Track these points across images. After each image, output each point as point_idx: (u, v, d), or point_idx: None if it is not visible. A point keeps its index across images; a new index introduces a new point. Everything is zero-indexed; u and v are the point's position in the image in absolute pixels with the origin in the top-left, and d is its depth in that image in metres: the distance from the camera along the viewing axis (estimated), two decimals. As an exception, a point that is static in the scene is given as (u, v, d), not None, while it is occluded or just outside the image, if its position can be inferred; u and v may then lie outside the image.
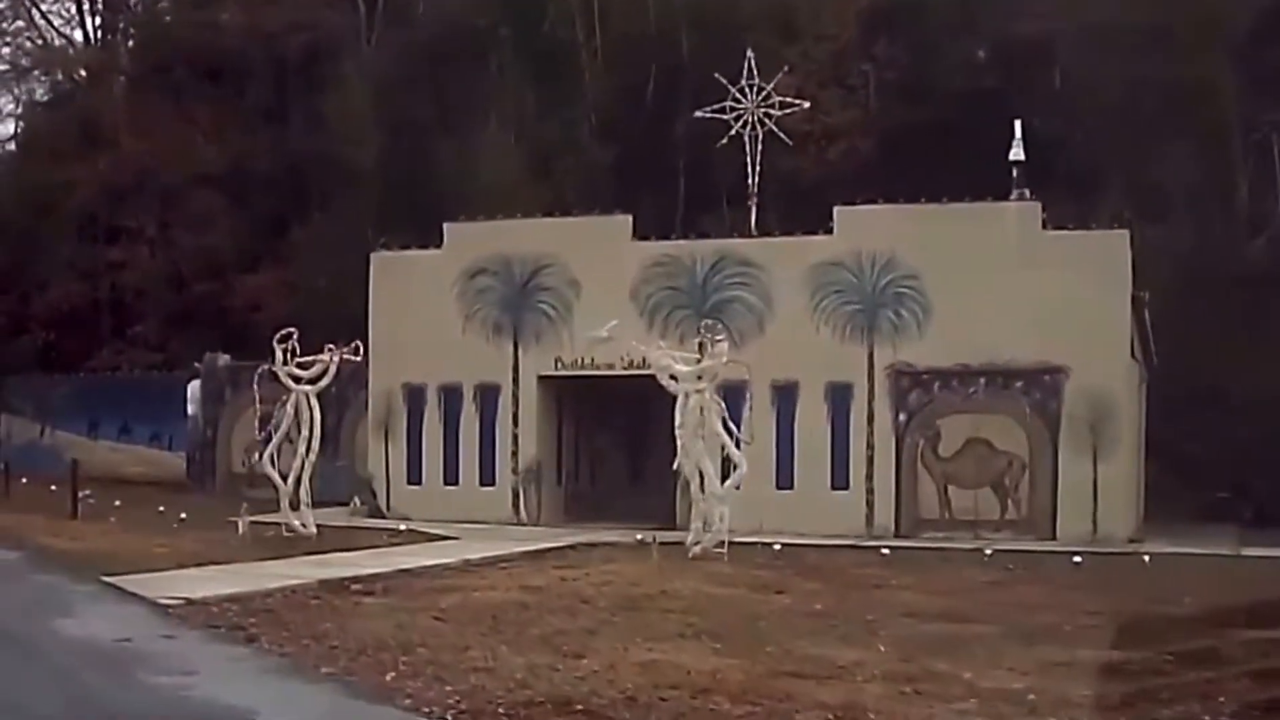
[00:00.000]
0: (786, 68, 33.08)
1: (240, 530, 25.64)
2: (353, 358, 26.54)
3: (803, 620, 17.37)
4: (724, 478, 24.49)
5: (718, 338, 24.61)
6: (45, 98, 52.85)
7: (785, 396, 28.49)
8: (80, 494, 30.62)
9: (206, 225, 44.49)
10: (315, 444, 26.51)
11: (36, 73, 51.60)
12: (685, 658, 14.32)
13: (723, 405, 24.70)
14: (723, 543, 23.98)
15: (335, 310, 39.30)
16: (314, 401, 26.47)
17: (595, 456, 32.20)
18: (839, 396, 29.04)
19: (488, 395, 30.67)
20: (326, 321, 40.12)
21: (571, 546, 25.64)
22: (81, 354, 45.66)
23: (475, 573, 21.71)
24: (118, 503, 32.21)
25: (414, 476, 31.07)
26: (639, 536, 25.93)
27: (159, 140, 44.55)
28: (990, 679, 13.26)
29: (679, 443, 24.73)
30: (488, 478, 30.49)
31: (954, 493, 28.72)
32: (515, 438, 30.40)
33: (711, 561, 23.24)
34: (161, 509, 31.06)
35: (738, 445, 24.68)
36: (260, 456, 26.84)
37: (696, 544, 24.17)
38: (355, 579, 19.93)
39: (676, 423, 24.81)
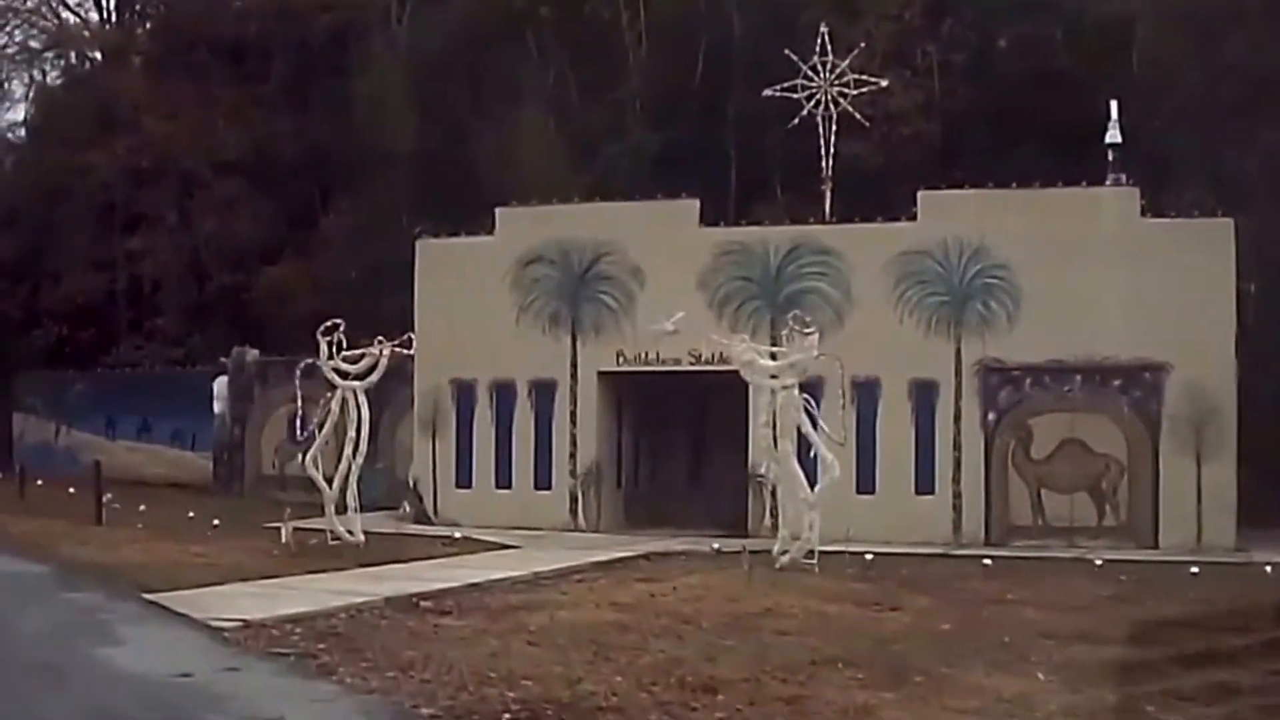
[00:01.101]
0: (862, 44, 30.85)
1: (283, 538, 23.55)
2: (404, 351, 24.42)
3: (936, 643, 15.63)
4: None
5: (807, 330, 22.46)
6: (59, 80, 50.64)
7: (866, 395, 26.34)
8: (105, 498, 28.42)
9: (229, 213, 42.25)
10: (363, 445, 24.44)
11: (50, 54, 49.34)
12: (830, 692, 12.63)
13: (813, 403, 22.59)
14: (812, 552, 22.14)
15: (367, 303, 37.28)
16: (362, 399, 24.34)
17: (654, 458, 30.00)
18: (924, 395, 26.96)
19: (543, 392, 28.50)
20: (357, 315, 37.96)
21: (644, 556, 23.63)
22: (97, 349, 43.54)
23: (550, 587, 19.76)
24: (142, 507, 30.14)
25: (463, 479, 28.89)
26: (715, 545, 24.25)
27: (179, 124, 42.45)
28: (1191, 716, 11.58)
29: (763, 444, 22.71)
30: (543, 481, 28.31)
31: (1048, 497, 26.69)
32: (573, 438, 28.21)
33: (802, 573, 21.38)
34: (191, 514, 29.15)
35: (828, 447, 22.54)
36: (303, 458, 24.59)
37: (784, 554, 22.25)
38: (423, 595, 17.92)
39: (760, 422, 22.82)
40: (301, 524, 25.70)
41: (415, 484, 29.15)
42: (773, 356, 23.66)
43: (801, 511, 22.39)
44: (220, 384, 36.39)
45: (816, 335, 22.57)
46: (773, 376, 22.69)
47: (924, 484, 26.87)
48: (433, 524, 28.12)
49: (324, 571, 20.41)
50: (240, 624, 15.25)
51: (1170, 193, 30.26)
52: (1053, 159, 33.58)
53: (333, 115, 42.09)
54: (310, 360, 24.94)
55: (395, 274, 39.21)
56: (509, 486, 28.50)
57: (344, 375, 24.42)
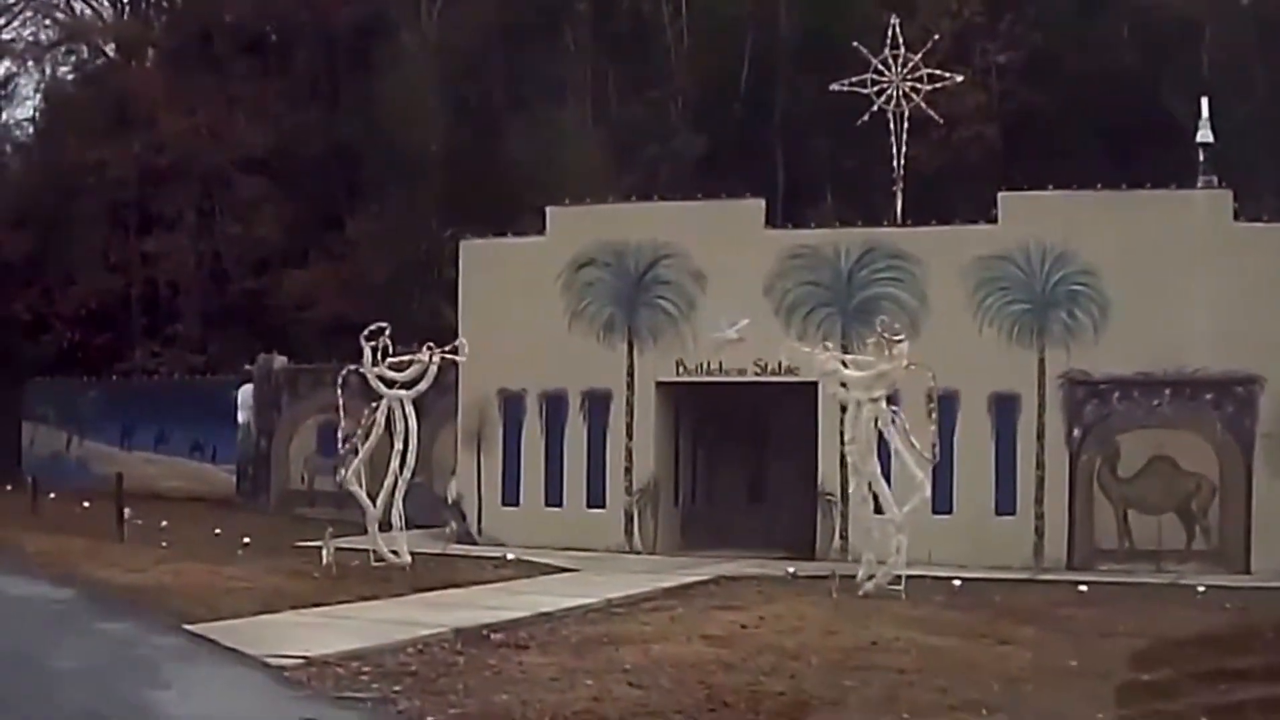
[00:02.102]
0: (936, 36, 29.12)
1: (324, 559, 21.72)
2: (455, 358, 22.64)
3: (1069, 683, 14.26)
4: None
5: (897, 337, 20.69)
6: (71, 74, 48.71)
7: (943, 409, 24.26)
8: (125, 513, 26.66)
9: (250, 214, 40.46)
10: (410, 459, 22.59)
11: (62, 48, 47.43)
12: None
13: (902, 417, 20.83)
14: (899, 578, 20.44)
15: (397, 308, 35.54)
16: (409, 409, 22.53)
17: (711, 474, 28.19)
18: (1004, 408, 25.20)
19: (597, 403, 26.67)
20: (387, 321, 36.55)
21: (714, 581, 21.93)
22: (110, 355, 41.60)
23: (627, 616, 18.08)
24: (164, 523, 28.39)
25: (510, 497, 27.07)
26: (790, 570, 22.61)
27: (197, 120, 40.70)
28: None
29: (850, 460, 20.96)
30: (596, 498, 26.49)
31: (1134, 519, 24.91)
32: (629, 452, 26.40)
33: (889, 601, 19.76)
34: (217, 531, 27.43)
35: (919, 464, 20.86)
36: (345, 472, 22.77)
37: (869, 579, 20.51)
38: (493, 627, 16.15)
39: (846, 437, 21.10)
40: (339, 543, 24.13)
41: (458, 501, 27.33)
42: (843, 364, 21.87)
43: (888, 534, 20.60)
44: (245, 393, 34.50)
45: (906, 344, 20.75)
46: (860, 388, 20.86)
47: (1004, 504, 25.13)
48: (476, 544, 26.35)
49: (375, 598, 18.71)
50: (301, 661, 13.53)
51: (1244, 198, 28.67)
52: (1118, 161, 32.14)
53: (359, 112, 40.47)
54: (353, 367, 23.16)
55: (426, 278, 37.77)
56: (559, 504, 26.68)
57: (389, 384, 22.56)
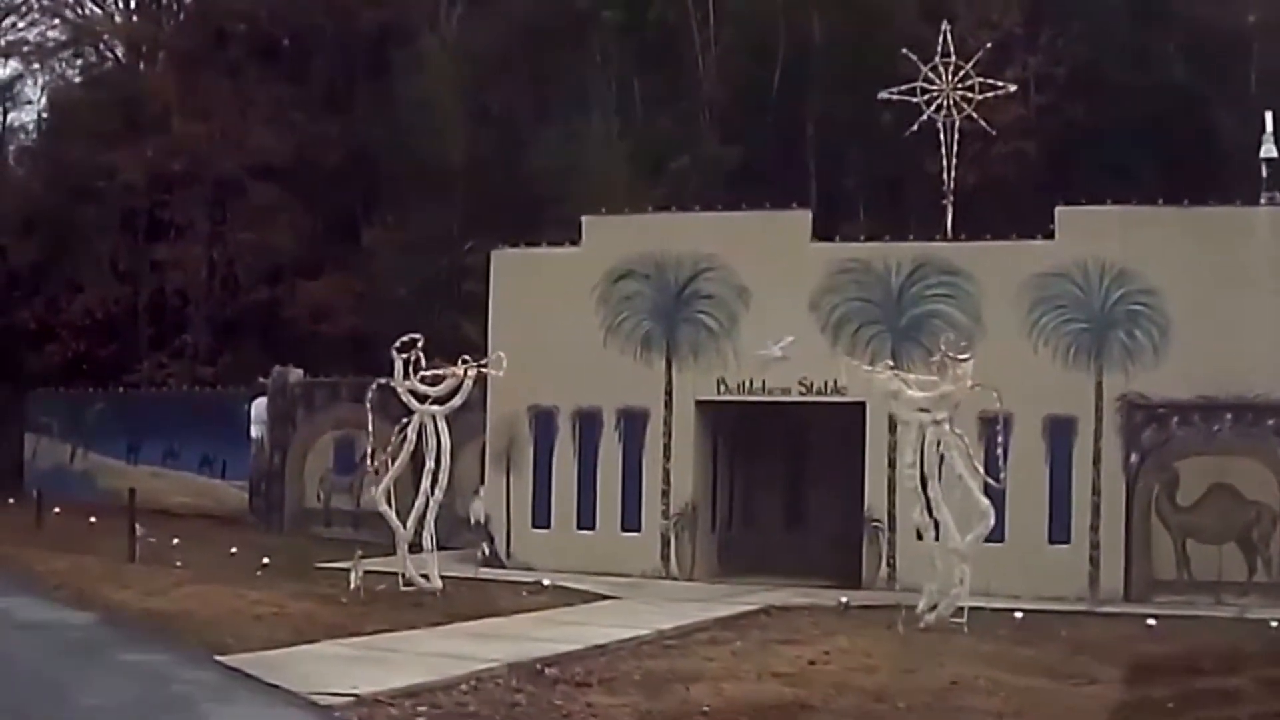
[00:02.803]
0: (988, 45, 28.07)
1: (352, 583, 20.55)
2: (492, 372, 21.46)
3: None
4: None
5: (961, 356, 19.59)
6: (80, 76, 47.55)
7: (996, 432, 23.33)
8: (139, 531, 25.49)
9: (264, 223, 39.29)
10: (443, 478, 21.49)
11: (70, 50, 46.28)
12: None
13: (966, 441, 19.78)
14: (961, 610, 19.39)
15: (416, 323, 34.41)
16: (442, 425, 21.41)
17: (748, 498, 27.04)
18: (1060, 432, 24.07)
19: (634, 422, 25.46)
20: (404, 335, 35.44)
21: (764, 611, 20.79)
22: (117, 366, 40.39)
23: (684, 649, 17.01)
24: (175, 541, 27.19)
25: (540, 519, 25.84)
26: (843, 600, 21.50)
27: (211, 126, 39.52)
28: None
29: (909, 485, 19.91)
30: (631, 522, 25.28)
31: (1193, 549, 23.74)
32: (667, 474, 25.18)
33: (953, 634, 18.72)
34: (233, 550, 26.24)
35: (985, 490, 19.84)
36: (375, 491, 21.65)
37: (930, 610, 19.42)
38: (545, 660, 14.96)
39: (907, 461, 20.01)
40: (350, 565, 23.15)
41: (486, 523, 26.13)
42: (905, 385, 20.78)
43: (951, 564, 19.49)
44: (258, 407, 33.27)
45: (971, 363, 19.66)
46: (922, 410, 19.77)
47: (1058, 532, 23.99)
48: (504, 567, 25.15)
49: (412, 627, 17.58)
50: (351, 700, 12.42)
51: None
52: (1162, 177, 31.07)
53: (378, 119, 39.41)
54: (382, 381, 22.02)
55: (447, 291, 36.64)
56: (592, 527, 25.46)
57: (422, 399, 21.44)
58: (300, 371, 32.94)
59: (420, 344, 21.42)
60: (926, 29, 33.25)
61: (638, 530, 25.20)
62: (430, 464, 21.38)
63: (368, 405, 22.04)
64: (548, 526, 25.73)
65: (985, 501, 19.70)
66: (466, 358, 21.81)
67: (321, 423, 31.94)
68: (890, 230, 26.83)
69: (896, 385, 20.08)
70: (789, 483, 27.35)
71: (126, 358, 40.61)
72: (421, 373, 21.48)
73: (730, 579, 24.81)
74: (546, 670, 14.50)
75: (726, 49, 38.25)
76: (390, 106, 38.85)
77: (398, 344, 21.51)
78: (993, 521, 19.77)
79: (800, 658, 16.12)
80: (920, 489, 19.93)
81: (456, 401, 21.61)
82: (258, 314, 39.78)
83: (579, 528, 25.53)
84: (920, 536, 20.53)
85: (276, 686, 12.88)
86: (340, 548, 28.00)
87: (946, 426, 19.68)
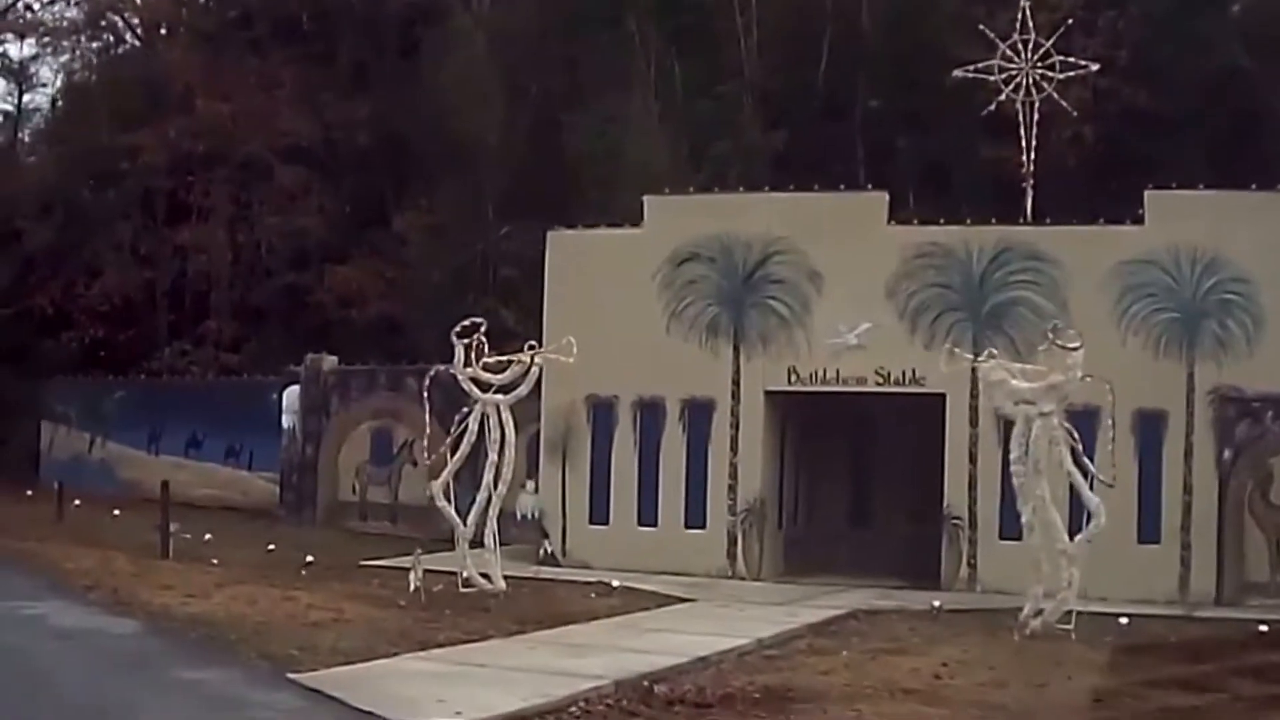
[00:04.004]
0: (1069, 20, 26.78)
1: (412, 584, 19.21)
2: (562, 359, 20.11)
3: None
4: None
5: (1071, 345, 18.26)
6: (100, 55, 46.04)
7: (1083, 426, 21.82)
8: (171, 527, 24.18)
9: (291, 206, 37.96)
10: (506, 471, 20.13)
11: (88, 31, 44.78)
12: None
13: (1075, 435, 18.45)
14: (1068, 614, 18.10)
15: (450, 310, 33.14)
16: (506, 416, 20.05)
17: (813, 493, 25.70)
18: (1150, 427, 22.80)
19: (698, 413, 24.13)
20: (438, 322, 34.08)
21: (852, 615, 19.51)
22: (136, 353, 39.07)
23: (789, 660, 15.78)
24: (208, 536, 25.94)
25: (598, 514, 24.50)
26: (935, 603, 20.14)
27: (235, 106, 38.16)
28: None
29: (1017, 482, 18.55)
30: (696, 518, 23.95)
31: (1287, 550, 22.49)
32: (734, 468, 23.85)
33: (1063, 641, 17.47)
34: (270, 547, 24.91)
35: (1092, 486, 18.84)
36: (433, 485, 20.29)
37: (1036, 615, 18.18)
38: (651, 676, 13.60)
39: (1012, 456, 18.67)
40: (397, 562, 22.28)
41: (540, 519, 24.79)
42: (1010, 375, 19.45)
43: (1059, 566, 18.21)
44: (290, 395, 31.86)
45: (1081, 352, 18.33)
46: (1028, 402, 18.46)
47: (1148, 532, 22.72)
48: (560, 565, 23.80)
49: (488, 636, 16.25)
50: (461, 730, 11.03)
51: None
52: (1222, 163, 29.86)
53: (408, 100, 38.02)
54: (441, 367, 20.68)
55: (481, 276, 35.34)
56: (654, 524, 24.13)
57: (485, 387, 20.08)
58: (334, 359, 31.62)
59: (483, 328, 20.03)
60: (979, 10, 32.09)
61: (702, 527, 23.90)
62: (493, 456, 20.05)
63: (424, 394, 20.63)
64: (606, 523, 24.41)
65: (1095, 500, 18.45)
66: (533, 343, 20.52)
67: (357, 412, 30.66)
68: (945, 216, 25.50)
69: (1000, 375, 18.78)
70: (854, 477, 26.04)
71: (146, 345, 39.29)
72: (484, 359, 20.07)
73: (797, 579, 23.58)
74: (655, 688, 13.16)
75: (769, 31, 36.88)
76: (420, 87, 37.47)
77: (458, 328, 20.12)
78: (1104, 520, 18.45)
79: (919, 670, 14.86)
80: (1028, 486, 18.57)
81: (522, 390, 20.31)
82: (283, 300, 38.43)
83: (640, 524, 24.22)
84: (999, 536, 19.50)
85: (370, 713, 11.48)
86: (380, 543, 26.92)
87: (1055, 420, 18.33)
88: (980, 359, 19.35)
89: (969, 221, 24.00)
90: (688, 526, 23.95)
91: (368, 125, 38.40)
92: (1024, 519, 18.57)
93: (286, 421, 31.82)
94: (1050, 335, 18.74)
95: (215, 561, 23.09)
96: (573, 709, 12.09)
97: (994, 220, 24.06)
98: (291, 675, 13.06)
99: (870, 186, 29.83)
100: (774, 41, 36.97)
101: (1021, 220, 24.48)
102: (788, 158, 34.28)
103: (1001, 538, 22.56)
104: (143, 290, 39.90)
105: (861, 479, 26.02)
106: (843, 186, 25.87)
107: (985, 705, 13.04)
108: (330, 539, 27.46)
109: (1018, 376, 18.78)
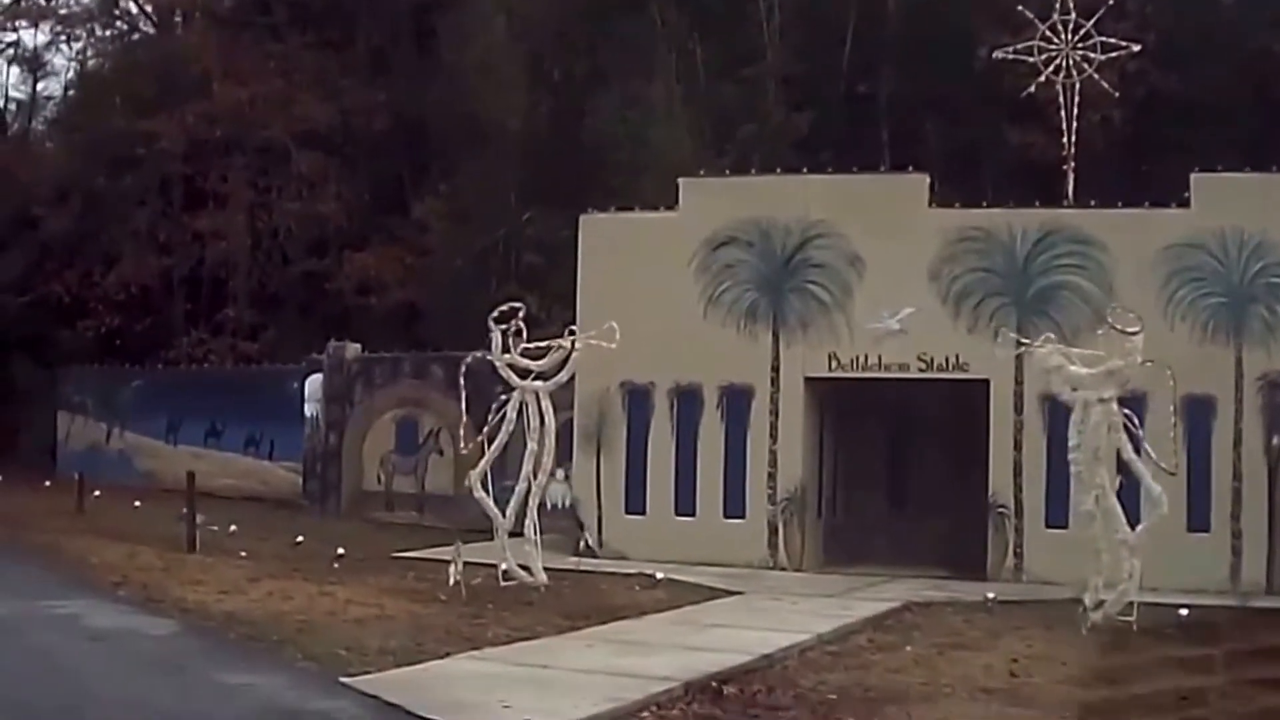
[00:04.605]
0: (1110, 1, 26.25)
1: (453, 578, 18.73)
2: (605, 344, 19.60)
3: None
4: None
5: (1130, 329, 17.77)
6: (115, 40, 45.55)
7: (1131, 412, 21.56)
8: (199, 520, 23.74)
9: (310, 192, 37.50)
10: (547, 460, 19.62)
11: (102, 17, 44.27)
12: None
13: (1136, 422, 17.95)
14: (1130, 606, 17.49)
15: (472, 297, 32.76)
16: (546, 403, 19.55)
17: (850, 481, 25.21)
18: (1198, 413, 22.24)
19: (737, 400, 23.61)
20: (458, 309, 33.64)
21: (905, 608, 18.91)
22: (153, 342, 38.64)
23: (854, 657, 15.08)
24: (233, 528, 25.48)
25: (634, 504, 23.98)
26: (989, 595, 19.59)
27: (253, 91, 37.64)
28: None
29: (1074, 470, 18.05)
30: (735, 508, 23.43)
31: (1335, 540, 21.99)
32: (774, 456, 23.33)
33: (1125, 633, 16.93)
34: (299, 539, 24.38)
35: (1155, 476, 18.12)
36: (470, 476, 19.70)
37: (1097, 608, 17.57)
38: (719, 676, 13.11)
39: (1071, 443, 18.14)
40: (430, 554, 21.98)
41: (574, 508, 24.32)
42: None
43: (1120, 556, 17.70)
44: (313, 383, 31.37)
45: (1141, 336, 17.85)
46: (1088, 388, 18.00)
47: (1198, 519, 22.13)
48: (595, 557, 23.32)
49: (539, 633, 15.69)
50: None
51: None
52: (1254, 148, 29.36)
53: (427, 85, 37.60)
54: (479, 354, 20.18)
55: (503, 263, 34.87)
56: (692, 514, 23.60)
57: (524, 374, 19.57)
58: (358, 346, 31.12)
59: (522, 313, 19.51)
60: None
61: (742, 517, 23.37)
62: (532, 445, 19.52)
63: (460, 381, 20.12)
64: (642, 513, 23.89)
65: (1158, 488, 17.96)
66: (574, 328, 20.04)
67: (382, 400, 30.19)
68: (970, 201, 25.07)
69: (1058, 361, 18.25)
70: (891, 465, 25.54)
71: (163, 333, 38.87)
72: (523, 346, 19.56)
73: (838, 569, 23.09)
74: (725, 689, 12.67)
75: (792, 14, 36.42)
76: (440, 71, 37.01)
77: (496, 313, 19.59)
78: (1166, 510, 17.97)
79: (992, 668, 14.38)
80: (1086, 474, 18.07)
81: (562, 377, 19.82)
82: (302, 287, 37.97)
83: (677, 514, 23.68)
84: (1045, 524, 19.41)
85: (432, 721, 11.02)
86: (408, 534, 26.52)
87: (1114, 406, 17.84)
88: (1036, 344, 18.79)
89: (1012, 204, 23.49)
90: (727, 516, 23.44)
91: (386, 110, 37.91)
92: (1084, 508, 18.00)
93: (309, 410, 31.37)
94: (1109, 319, 18.21)
95: (243, 554, 22.70)
96: (644, 714, 11.61)
97: (1037, 203, 23.52)
98: (345, 679, 12.55)
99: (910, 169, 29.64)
100: (797, 24, 36.52)
101: (1064, 203, 23.90)
102: (811, 142, 33.81)
103: (1047, 526, 22.14)
104: (160, 278, 39.45)
105: (898, 466, 25.49)
106: (883, 168, 25.25)
107: (1072, 704, 12.57)
108: (357, 530, 27.00)
109: (1075, 362, 18.25)
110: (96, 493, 30.46)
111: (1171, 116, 33.34)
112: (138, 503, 29.63)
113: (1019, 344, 19.49)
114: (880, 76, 35.59)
